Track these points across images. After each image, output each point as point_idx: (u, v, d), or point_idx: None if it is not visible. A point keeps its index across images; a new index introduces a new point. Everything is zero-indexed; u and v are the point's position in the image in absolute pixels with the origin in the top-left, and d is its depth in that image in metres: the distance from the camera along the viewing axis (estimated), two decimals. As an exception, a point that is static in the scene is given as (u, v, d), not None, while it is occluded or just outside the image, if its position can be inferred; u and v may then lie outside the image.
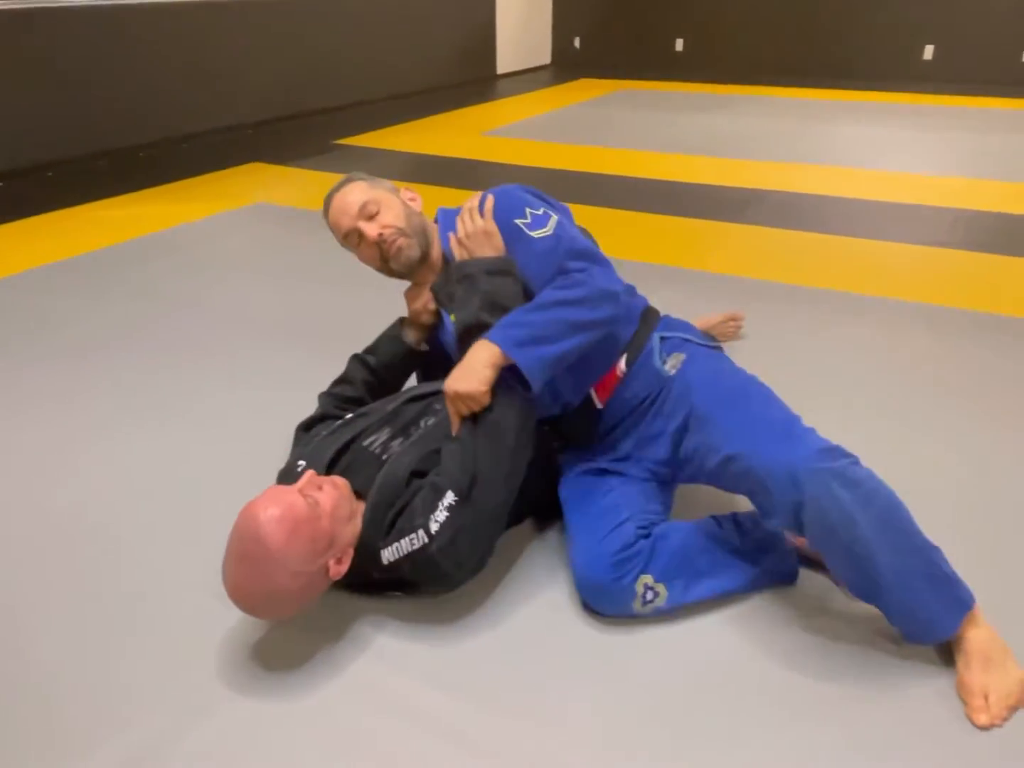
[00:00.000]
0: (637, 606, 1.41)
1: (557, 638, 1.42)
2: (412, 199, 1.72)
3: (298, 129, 6.03)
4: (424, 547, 1.36)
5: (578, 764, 1.19)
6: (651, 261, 3.16)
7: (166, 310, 2.83)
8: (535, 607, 1.49)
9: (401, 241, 1.63)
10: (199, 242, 3.55)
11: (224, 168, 4.79)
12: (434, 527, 1.35)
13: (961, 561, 1.35)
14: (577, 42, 9.56)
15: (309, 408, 1.81)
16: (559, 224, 1.55)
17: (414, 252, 1.64)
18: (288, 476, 1.54)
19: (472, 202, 1.62)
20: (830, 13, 8.14)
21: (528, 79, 8.62)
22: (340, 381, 1.85)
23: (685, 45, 8.98)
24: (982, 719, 1.23)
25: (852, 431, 2.02)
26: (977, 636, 1.29)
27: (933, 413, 2.11)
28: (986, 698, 1.24)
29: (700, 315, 2.40)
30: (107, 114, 4.98)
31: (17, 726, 1.27)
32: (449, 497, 1.37)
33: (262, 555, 1.26)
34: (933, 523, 1.49)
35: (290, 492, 1.33)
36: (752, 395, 1.51)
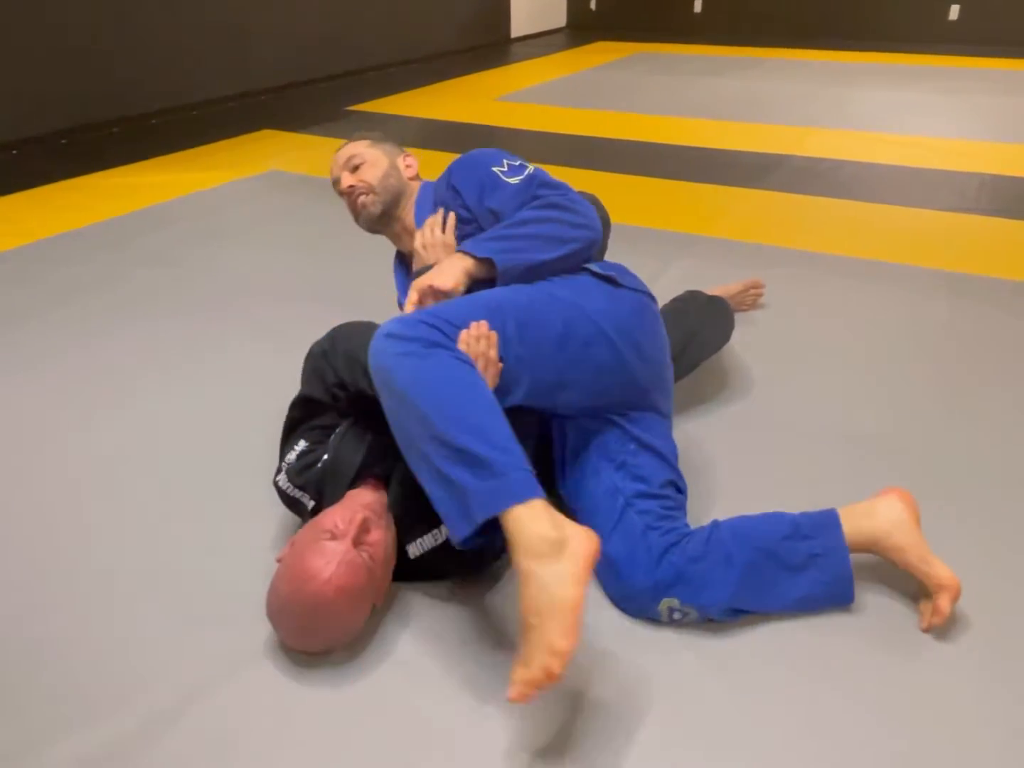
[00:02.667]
0: (663, 618, 1.35)
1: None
2: (408, 165, 1.81)
3: (311, 95, 5.97)
4: (447, 541, 1.34)
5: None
6: (667, 228, 3.11)
7: (183, 277, 2.82)
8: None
9: (364, 198, 1.73)
10: (214, 210, 3.53)
11: (237, 135, 4.75)
12: None
13: (987, 533, 1.32)
14: (593, 4, 9.38)
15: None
16: (536, 170, 1.60)
17: (375, 209, 1.73)
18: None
19: (436, 217, 1.64)
20: (853, -28, 7.96)
21: (543, 43, 8.48)
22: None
23: (704, 6, 8.80)
24: (513, 692, 1.07)
25: (875, 400, 2.01)
26: (522, 592, 1.10)
27: (959, 381, 2.08)
28: (525, 671, 1.07)
29: (718, 285, 2.36)
30: (120, 81, 4.94)
31: (41, 686, 1.28)
32: None
33: (323, 624, 1.26)
34: (959, 491, 1.48)
35: (347, 551, 1.25)
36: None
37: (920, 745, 1.16)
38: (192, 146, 4.52)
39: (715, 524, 1.39)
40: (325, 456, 1.47)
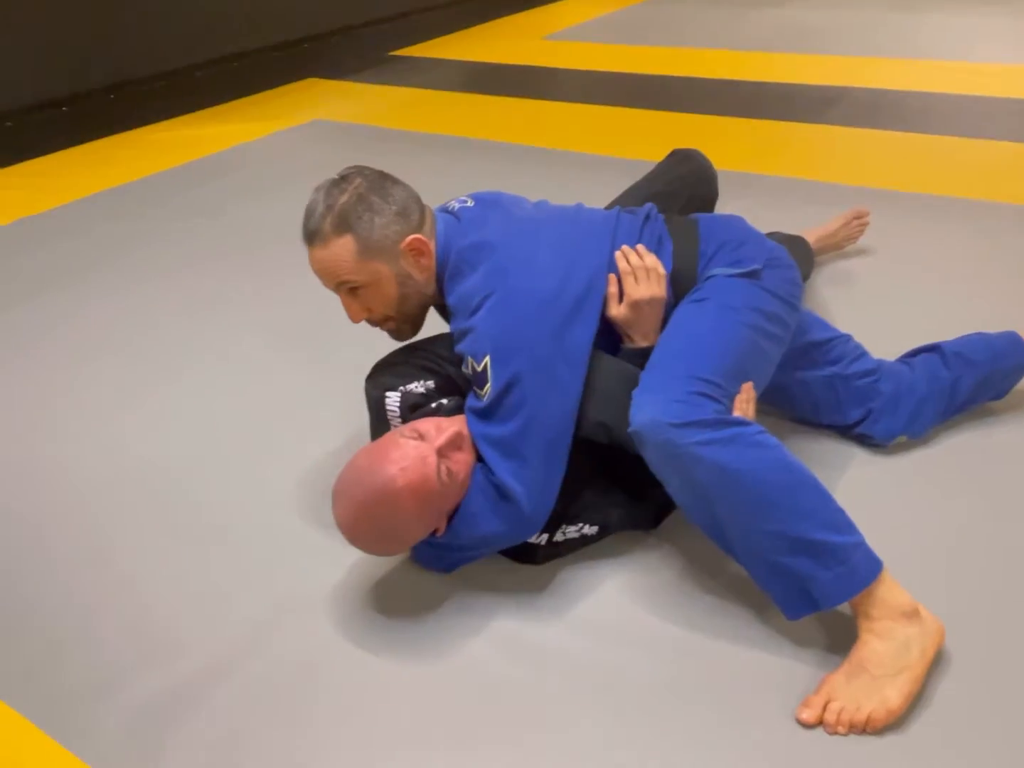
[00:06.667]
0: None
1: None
2: (415, 250, 1.35)
3: (352, 42, 5.86)
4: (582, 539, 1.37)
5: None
6: (723, 168, 2.98)
7: (228, 230, 2.81)
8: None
9: (389, 325, 1.44)
10: (259, 162, 3.50)
11: (280, 85, 4.69)
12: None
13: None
14: (642, -65, 9.00)
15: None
16: (512, 431, 1.26)
17: (403, 336, 1.47)
18: (412, 406, 1.40)
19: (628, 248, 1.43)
20: None
21: (590, -22, 8.18)
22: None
23: (758, -67, 8.38)
24: (804, 715, 1.11)
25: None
26: (866, 643, 1.13)
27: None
28: (826, 703, 1.11)
29: (814, 226, 2.22)
30: (163, 35, 4.91)
31: (111, 629, 1.31)
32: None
33: (390, 517, 1.22)
34: None
35: (429, 455, 1.21)
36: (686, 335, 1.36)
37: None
38: (235, 98, 4.48)
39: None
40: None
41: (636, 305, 1.38)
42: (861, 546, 1.16)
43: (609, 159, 3.16)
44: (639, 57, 4.77)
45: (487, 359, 1.25)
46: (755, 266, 1.39)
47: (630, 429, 1.22)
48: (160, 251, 2.69)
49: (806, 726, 1.11)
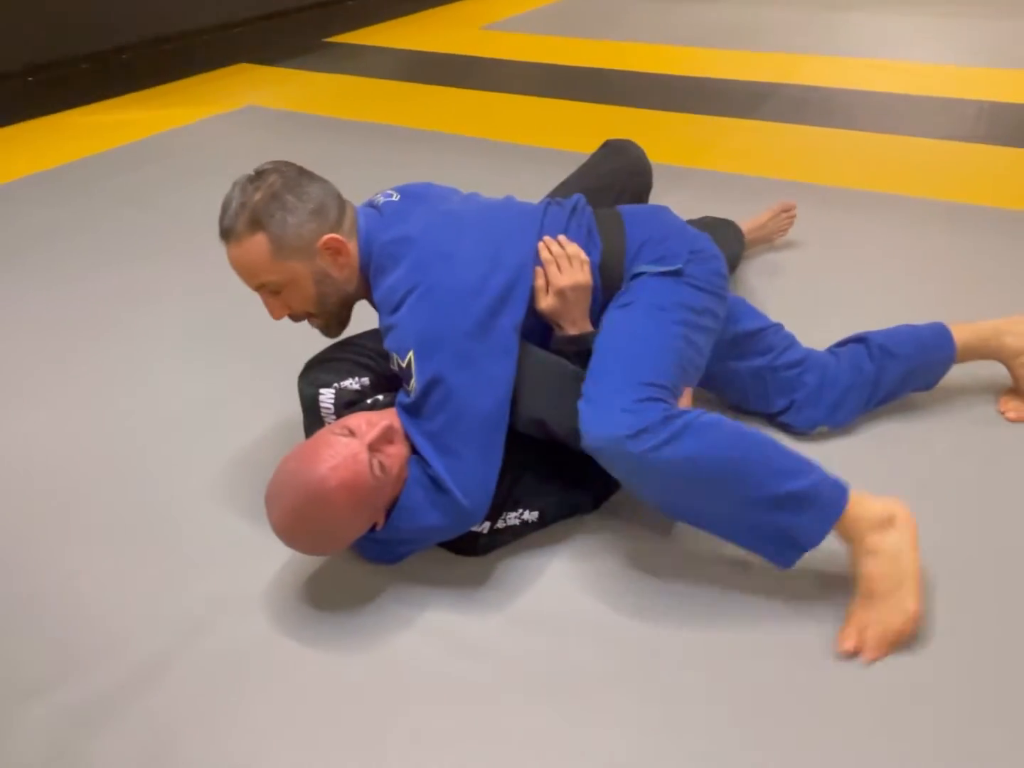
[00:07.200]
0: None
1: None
2: (331, 249, 1.34)
3: (287, 27, 5.75)
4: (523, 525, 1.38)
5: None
6: (658, 161, 3.01)
7: (158, 218, 2.73)
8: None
9: (314, 322, 1.44)
10: (189, 148, 3.41)
11: (211, 70, 4.58)
12: None
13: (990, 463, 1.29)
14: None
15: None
16: (443, 424, 1.26)
17: (331, 332, 1.46)
18: (343, 400, 1.40)
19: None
20: None
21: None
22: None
23: (694, -72, 8.47)
24: (846, 644, 1.20)
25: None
26: (863, 565, 1.21)
27: (959, 313, 2.03)
28: (862, 632, 1.20)
29: (747, 218, 2.26)
30: (87, 14, 4.73)
31: (27, 638, 1.27)
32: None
33: (321, 517, 1.20)
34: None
35: (360, 451, 1.20)
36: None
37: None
38: (166, 81, 4.36)
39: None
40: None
41: (561, 293, 1.39)
42: (824, 480, 1.22)
43: (545, 150, 3.17)
44: (576, 49, 4.79)
45: (411, 355, 1.26)
46: (678, 264, 1.41)
47: (584, 444, 1.24)
48: (86, 240, 2.60)
49: (849, 656, 1.19)
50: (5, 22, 4.35)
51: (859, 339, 1.66)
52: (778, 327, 1.65)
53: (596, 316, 1.46)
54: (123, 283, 2.34)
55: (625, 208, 1.56)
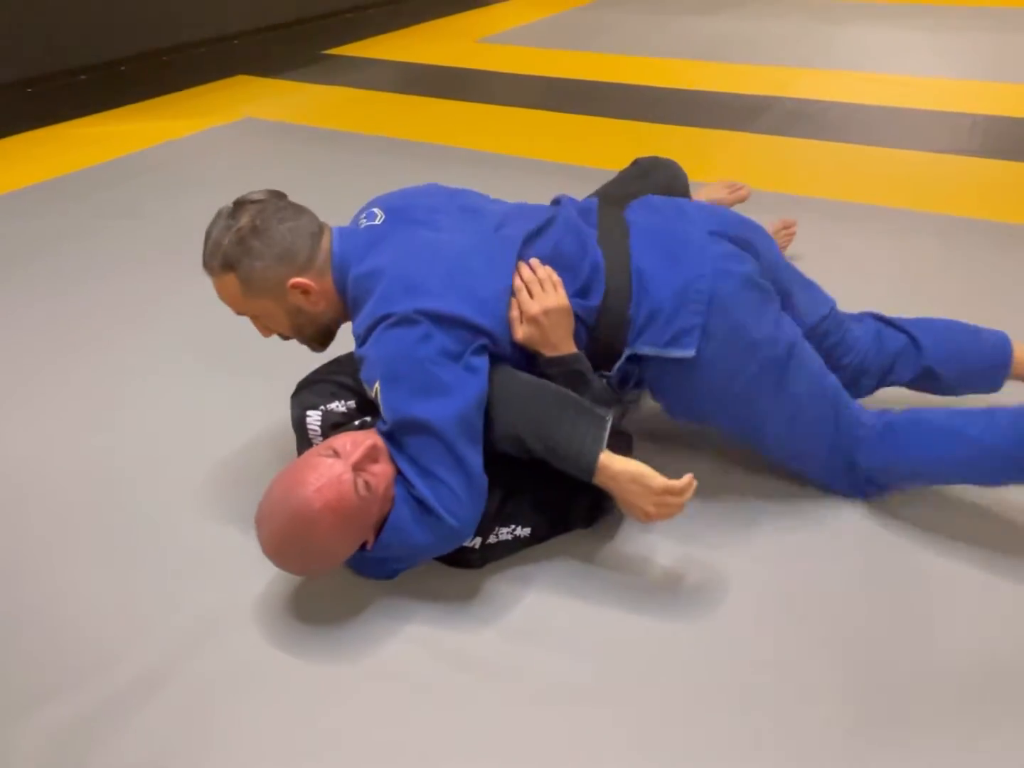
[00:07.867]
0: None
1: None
2: (299, 289, 1.36)
3: (285, 39, 5.77)
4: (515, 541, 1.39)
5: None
6: (656, 174, 3.03)
7: (155, 230, 2.74)
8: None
9: (298, 340, 1.48)
10: (187, 160, 3.42)
11: (209, 82, 4.60)
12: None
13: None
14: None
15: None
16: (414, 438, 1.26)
17: (315, 349, 1.50)
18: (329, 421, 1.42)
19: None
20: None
21: (525, -18, 8.22)
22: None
23: (689, -58, 8.53)
24: None
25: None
26: None
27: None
28: None
29: None
30: (85, 26, 4.75)
31: (17, 654, 1.26)
32: None
33: (313, 540, 1.21)
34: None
35: (344, 472, 1.21)
36: None
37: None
38: (164, 93, 4.37)
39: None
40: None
41: (534, 320, 1.35)
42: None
43: (542, 162, 3.17)
44: (572, 62, 4.81)
45: (377, 386, 1.27)
46: (690, 352, 1.36)
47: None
48: (83, 251, 2.60)
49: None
50: (3, 34, 4.37)
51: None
52: (828, 311, 1.67)
53: (584, 341, 1.42)
54: (116, 295, 2.34)
55: (637, 222, 1.49)
